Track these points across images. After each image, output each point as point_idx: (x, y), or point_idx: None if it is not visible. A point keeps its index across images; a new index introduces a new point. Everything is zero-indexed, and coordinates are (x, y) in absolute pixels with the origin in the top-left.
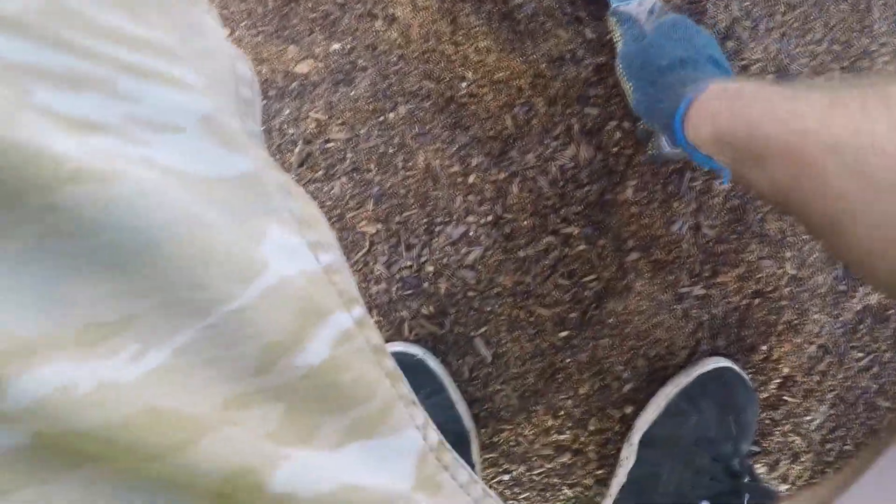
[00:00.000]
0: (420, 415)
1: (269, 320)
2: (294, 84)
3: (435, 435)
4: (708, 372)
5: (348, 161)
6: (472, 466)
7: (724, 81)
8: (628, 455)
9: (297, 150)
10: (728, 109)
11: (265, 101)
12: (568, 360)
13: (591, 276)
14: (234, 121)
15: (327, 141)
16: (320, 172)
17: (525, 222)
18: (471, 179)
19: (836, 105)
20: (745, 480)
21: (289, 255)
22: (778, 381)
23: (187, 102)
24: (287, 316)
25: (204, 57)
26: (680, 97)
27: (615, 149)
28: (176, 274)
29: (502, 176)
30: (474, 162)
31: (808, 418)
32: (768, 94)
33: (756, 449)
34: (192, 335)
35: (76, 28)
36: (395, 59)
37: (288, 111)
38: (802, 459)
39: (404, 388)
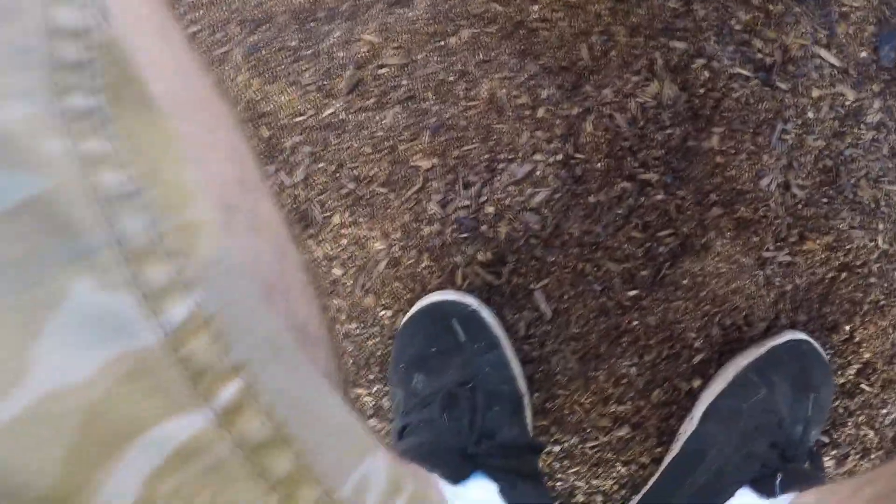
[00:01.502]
0: None
1: (15, 468)
2: (346, 4)
3: None
4: (783, 344)
5: (403, 89)
6: (529, 437)
7: None
8: (687, 429)
9: (346, 75)
10: None
11: (313, 24)
12: (635, 323)
13: (668, 231)
14: (32, 107)
15: (380, 66)
16: (371, 100)
17: (598, 164)
18: (539, 113)
19: None
20: (796, 465)
21: (94, 333)
22: (857, 366)
23: None
24: (47, 457)
25: None
26: None
27: (702, 90)
28: None
29: (575, 111)
30: (544, 94)
31: (884, 412)
32: None
33: (825, 439)
34: None
35: None
36: None
37: (338, 33)
38: (872, 456)
39: (313, 493)
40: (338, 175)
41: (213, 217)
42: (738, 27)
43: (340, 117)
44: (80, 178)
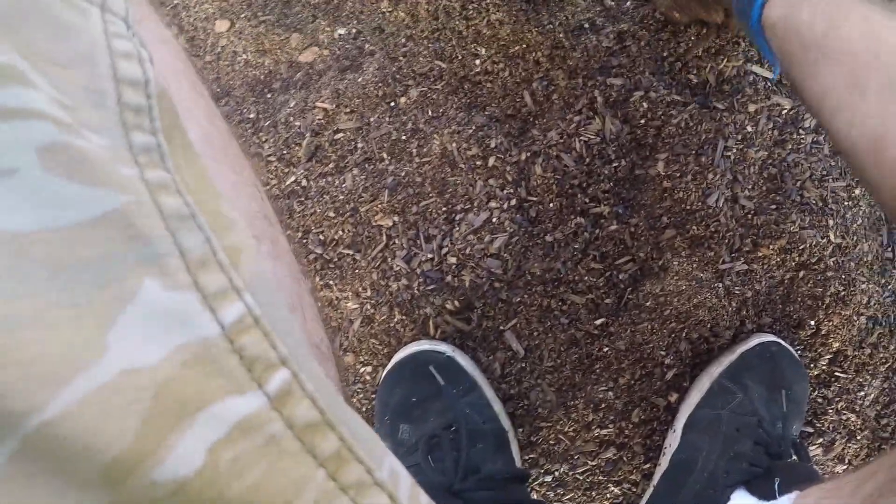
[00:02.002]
0: (381, 500)
1: (95, 431)
2: (299, 74)
3: None
4: (752, 348)
5: (359, 151)
6: (514, 468)
7: None
8: (671, 442)
9: (304, 143)
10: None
11: (270, 95)
12: (606, 349)
13: (626, 258)
14: (106, 140)
15: (336, 131)
16: (331, 165)
17: (551, 204)
18: (491, 162)
19: None
20: (787, 461)
21: (161, 324)
22: (828, 356)
23: (19, 133)
24: (123, 423)
25: (61, 67)
26: None
27: (643, 120)
28: None
29: (524, 156)
30: (493, 143)
31: (862, 394)
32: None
33: (809, 430)
34: (17, 445)
35: None
36: (403, 40)
37: (294, 102)
38: (858, 437)
39: (357, 470)
40: (305, 241)
41: (250, 241)
42: (671, 58)
43: (302, 184)
44: (148, 198)
